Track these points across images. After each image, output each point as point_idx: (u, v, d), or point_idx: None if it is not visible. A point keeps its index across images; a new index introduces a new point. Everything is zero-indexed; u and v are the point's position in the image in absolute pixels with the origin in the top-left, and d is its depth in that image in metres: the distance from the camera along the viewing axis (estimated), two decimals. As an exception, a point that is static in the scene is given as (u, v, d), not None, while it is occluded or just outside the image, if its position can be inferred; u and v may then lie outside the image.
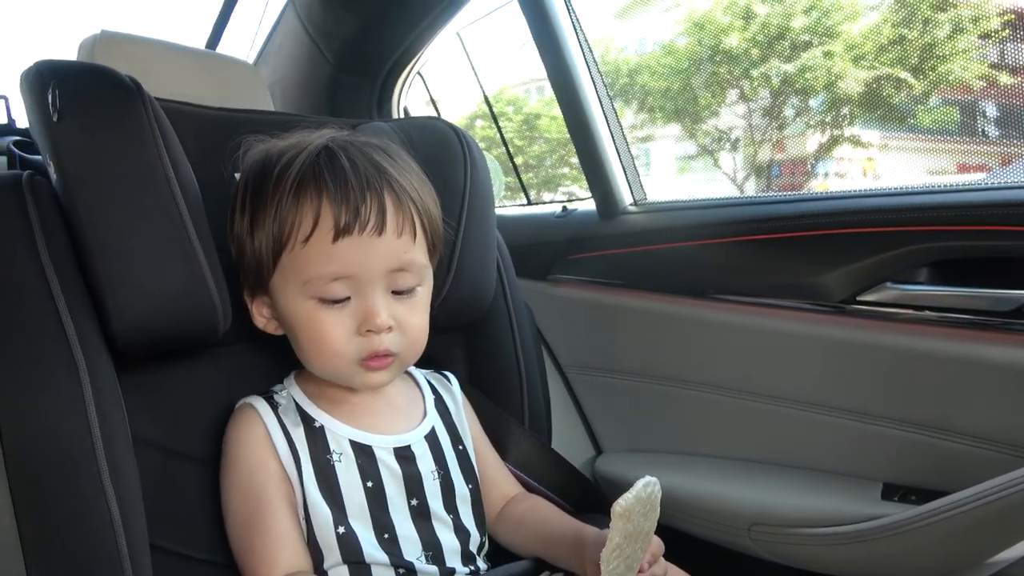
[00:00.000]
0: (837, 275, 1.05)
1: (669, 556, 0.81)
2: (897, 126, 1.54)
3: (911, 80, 1.41)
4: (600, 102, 1.33)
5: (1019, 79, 1.17)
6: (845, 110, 1.64)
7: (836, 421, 1.10)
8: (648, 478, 0.72)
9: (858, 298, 1.04)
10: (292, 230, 0.77)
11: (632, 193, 1.35)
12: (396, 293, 0.79)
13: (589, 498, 1.03)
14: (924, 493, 1.00)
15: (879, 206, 1.06)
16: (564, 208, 1.45)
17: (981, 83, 1.27)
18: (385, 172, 0.79)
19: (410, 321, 0.80)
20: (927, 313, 0.99)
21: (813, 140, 1.74)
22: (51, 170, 0.78)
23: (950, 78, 1.35)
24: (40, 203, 0.76)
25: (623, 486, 1.24)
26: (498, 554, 0.90)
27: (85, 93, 0.75)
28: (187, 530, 0.82)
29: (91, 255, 0.74)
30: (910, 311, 1.01)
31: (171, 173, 0.76)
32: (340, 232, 0.75)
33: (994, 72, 1.24)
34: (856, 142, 1.67)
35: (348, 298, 0.78)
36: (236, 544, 0.79)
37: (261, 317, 0.84)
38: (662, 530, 0.76)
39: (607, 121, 1.33)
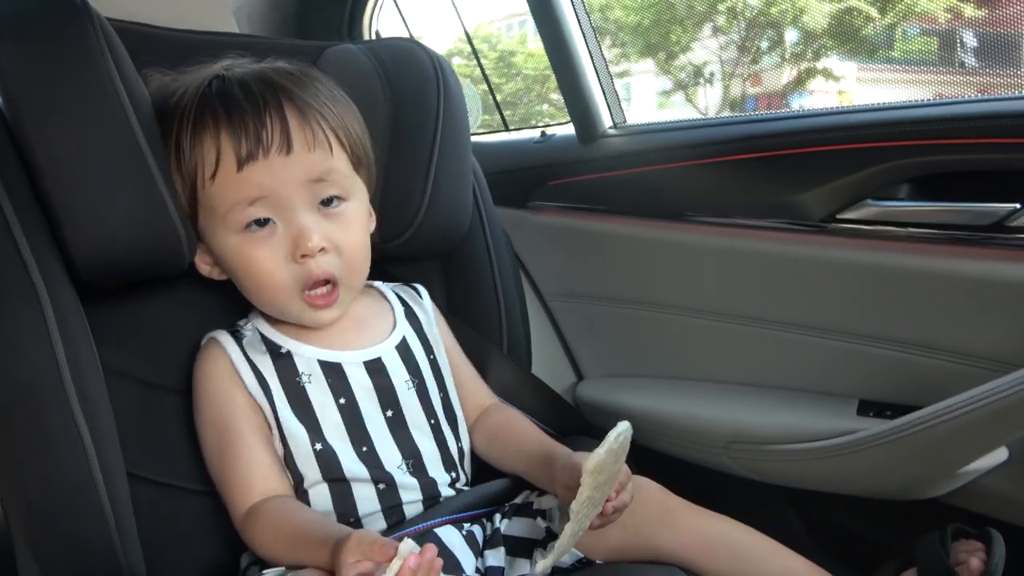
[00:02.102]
0: (817, 193, 1.04)
1: (646, 475, 0.82)
2: (871, 58, 1.51)
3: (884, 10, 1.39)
4: (579, 21, 1.28)
5: (990, 9, 1.15)
6: (820, 42, 1.61)
7: (813, 340, 1.10)
8: (619, 427, 0.72)
9: (838, 216, 1.03)
10: (197, 169, 0.75)
11: (612, 116, 1.32)
12: (324, 206, 0.77)
13: (570, 422, 1.04)
14: (899, 408, 1.01)
15: (858, 122, 1.04)
16: (543, 134, 1.42)
17: (948, 15, 1.25)
18: (282, 89, 0.76)
19: (344, 240, 0.78)
20: (907, 230, 0.99)
21: (788, 73, 1.71)
22: None
23: (917, 8, 1.33)
24: None
25: (603, 411, 1.28)
26: (476, 462, 0.92)
27: (26, 9, 0.71)
28: (166, 459, 0.82)
29: (45, 182, 0.71)
30: (890, 228, 1.00)
31: (124, 95, 0.72)
32: (244, 160, 0.73)
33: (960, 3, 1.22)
34: (829, 75, 1.65)
35: (272, 222, 0.75)
36: (213, 475, 0.80)
37: (205, 265, 0.82)
38: (640, 451, 0.76)
39: (585, 41, 1.29)
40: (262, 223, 0.76)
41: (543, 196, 1.36)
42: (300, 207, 0.76)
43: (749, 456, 1.11)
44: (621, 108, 1.33)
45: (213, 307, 0.86)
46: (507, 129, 1.60)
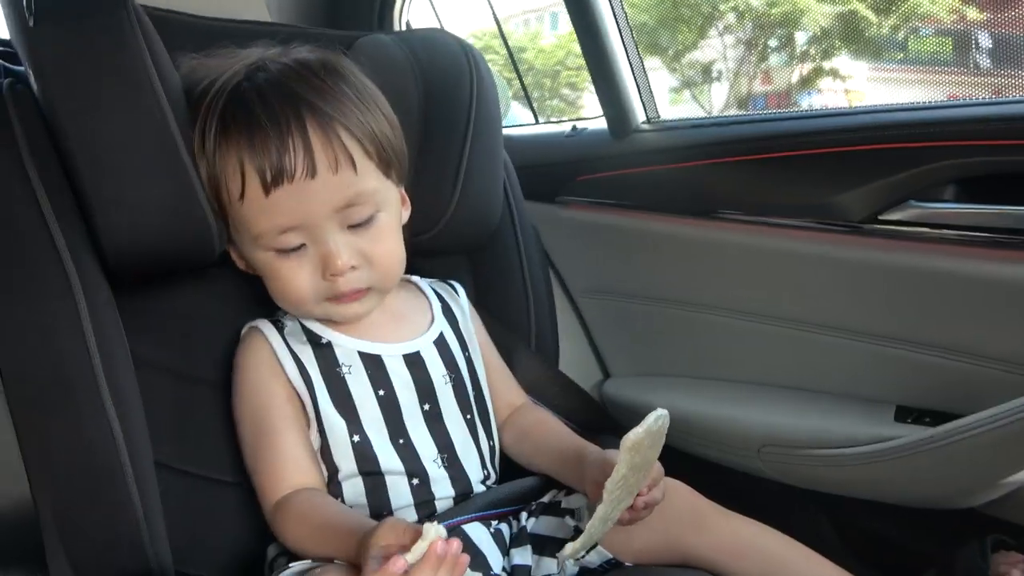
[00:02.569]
0: (858, 193, 1.01)
1: (676, 477, 0.81)
2: (884, 57, 1.49)
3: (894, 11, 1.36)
4: (615, 15, 1.27)
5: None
6: (829, 42, 1.59)
7: (849, 343, 1.08)
8: (659, 411, 0.71)
9: (880, 217, 1.00)
10: (223, 186, 0.74)
11: (645, 111, 1.30)
12: (353, 226, 0.76)
13: (596, 420, 1.03)
14: (938, 415, 0.99)
15: (902, 121, 1.01)
16: (574, 127, 1.40)
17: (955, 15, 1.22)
18: (304, 101, 0.73)
19: (375, 251, 0.77)
20: (951, 232, 0.96)
21: (797, 72, 1.69)
22: (32, 79, 0.74)
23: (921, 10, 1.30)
24: (23, 113, 0.73)
25: (630, 409, 1.26)
26: (503, 462, 0.91)
27: None
28: (197, 450, 0.82)
29: (78, 170, 0.71)
30: (933, 230, 0.97)
31: (158, 85, 0.72)
32: (269, 185, 0.72)
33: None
34: (838, 74, 1.62)
35: (303, 245, 0.75)
36: (248, 464, 0.80)
37: (239, 260, 0.82)
38: (670, 452, 0.75)
39: (621, 35, 1.27)
40: (294, 248, 0.76)
41: (573, 191, 1.34)
42: (329, 230, 0.75)
43: (783, 460, 1.09)
44: (655, 103, 1.31)
45: (245, 297, 0.86)
46: (536, 122, 1.59)
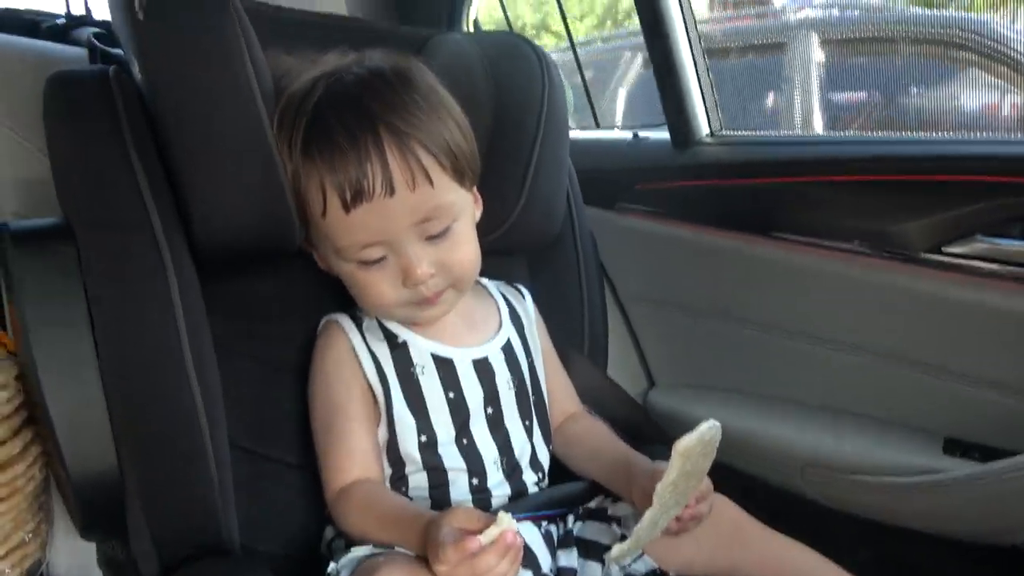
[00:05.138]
0: (923, 224, 1.01)
1: (719, 491, 0.83)
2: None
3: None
4: (685, 24, 1.27)
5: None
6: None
7: (900, 372, 1.08)
8: (713, 421, 0.73)
9: (944, 249, 1.00)
10: (307, 204, 0.77)
11: (709, 123, 1.30)
12: (431, 237, 0.78)
13: (644, 429, 1.04)
14: (986, 450, 0.99)
15: (972, 154, 1.01)
16: (635, 135, 1.41)
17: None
18: (379, 119, 0.74)
19: (453, 259, 0.79)
20: (1015, 269, 0.95)
21: None
22: (134, 68, 0.78)
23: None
24: (127, 101, 0.77)
25: (675, 419, 1.27)
26: (553, 465, 0.93)
27: None
28: (263, 430, 0.85)
29: (177, 161, 0.74)
30: (997, 265, 0.96)
31: (255, 83, 0.74)
32: (349, 205, 0.74)
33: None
34: None
35: (384, 257, 0.77)
36: (317, 450, 0.83)
37: (322, 262, 0.85)
38: (716, 466, 0.76)
39: (691, 46, 1.27)
40: (376, 260, 0.78)
41: (631, 198, 1.35)
42: (408, 242, 0.77)
43: (825, 482, 1.10)
44: (719, 116, 1.31)
45: (319, 288, 0.88)
46: (597, 126, 1.60)
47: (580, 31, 3.07)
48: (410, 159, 0.75)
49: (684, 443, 0.71)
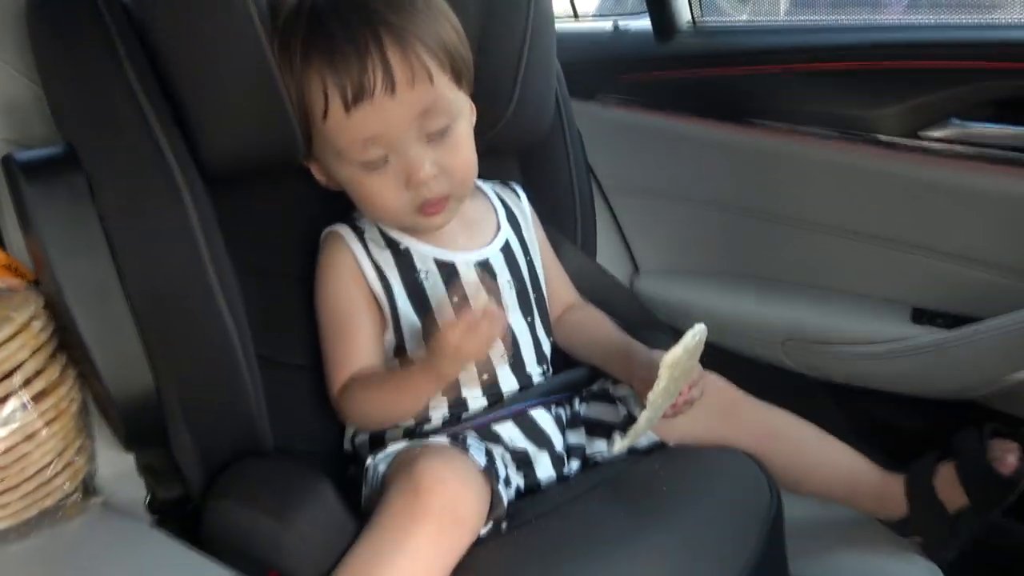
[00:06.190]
0: (900, 109, 1.04)
1: (710, 368, 0.89)
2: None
3: None
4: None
5: None
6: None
7: (872, 249, 1.13)
8: (697, 327, 0.78)
9: (919, 133, 1.03)
10: (308, 107, 0.77)
11: (691, 12, 1.29)
12: (432, 139, 0.79)
13: (636, 314, 1.10)
14: (950, 317, 1.06)
15: (949, 40, 1.02)
16: (616, 25, 1.39)
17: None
18: (379, 17, 0.75)
19: (453, 162, 0.81)
20: (988, 151, 0.99)
21: None
22: None
23: None
24: (118, 22, 0.75)
25: (660, 302, 1.33)
26: (554, 354, 0.98)
27: None
28: (275, 337, 0.88)
29: (176, 80, 0.74)
30: (970, 147, 1.00)
31: None
32: (350, 104, 0.75)
33: None
34: None
35: (386, 157, 0.78)
36: (323, 351, 0.87)
37: (320, 175, 0.86)
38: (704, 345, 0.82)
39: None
40: (377, 161, 0.79)
41: (613, 89, 1.35)
42: (410, 141, 0.78)
43: (804, 353, 1.18)
44: (701, 5, 1.30)
45: (321, 200, 0.90)
46: (576, 18, 1.56)
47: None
48: (411, 56, 0.75)
49: (671, 356, 0.76)
